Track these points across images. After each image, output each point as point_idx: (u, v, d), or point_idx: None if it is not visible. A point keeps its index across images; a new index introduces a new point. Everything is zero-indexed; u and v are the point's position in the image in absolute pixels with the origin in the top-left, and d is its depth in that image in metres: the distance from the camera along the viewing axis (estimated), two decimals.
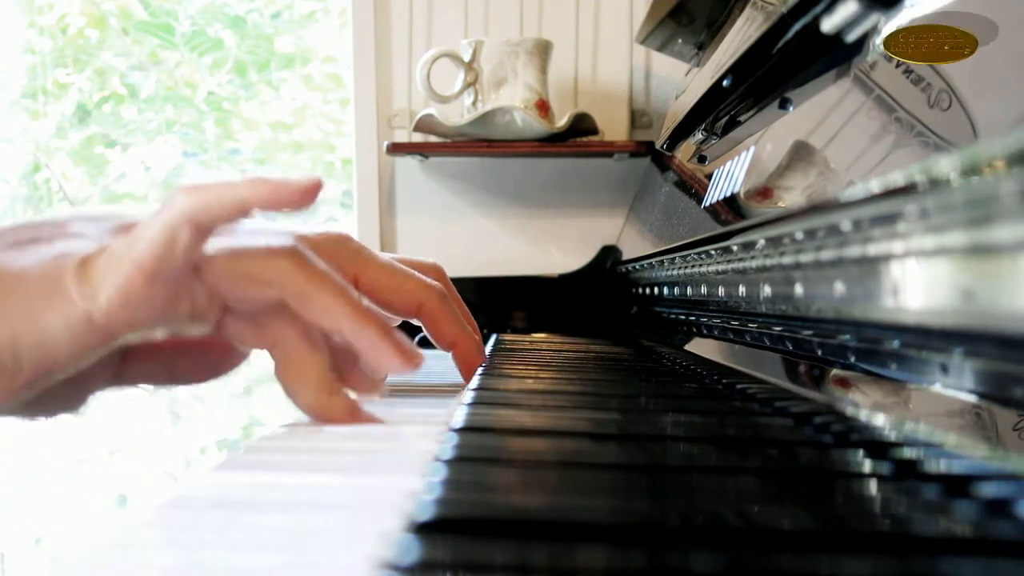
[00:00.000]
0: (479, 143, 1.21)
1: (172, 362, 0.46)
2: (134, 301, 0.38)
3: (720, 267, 0.60)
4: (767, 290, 0.50)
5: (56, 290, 0.38)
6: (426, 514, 0.23)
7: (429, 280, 0.54)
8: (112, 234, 0.41)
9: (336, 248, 0.49)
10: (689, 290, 0.71)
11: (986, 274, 0.28)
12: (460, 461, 0.30)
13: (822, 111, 0.48)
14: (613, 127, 1.30)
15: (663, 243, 0.79)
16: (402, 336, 0.42)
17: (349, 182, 1.54)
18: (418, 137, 1.27)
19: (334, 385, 0.41)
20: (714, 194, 0.62)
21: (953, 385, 0.31)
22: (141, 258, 0.38)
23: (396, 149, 1.24)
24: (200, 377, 0.47)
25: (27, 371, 0.38)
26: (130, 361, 0.45)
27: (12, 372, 0.38)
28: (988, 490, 0.26)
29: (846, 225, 0.37)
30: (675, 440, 0.37)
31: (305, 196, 0.41)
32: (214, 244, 0.40)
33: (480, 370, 0.57)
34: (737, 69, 0.67)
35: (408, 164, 1.32)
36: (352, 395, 0.43)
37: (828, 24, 0.47)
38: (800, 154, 0.48)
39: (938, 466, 0.29)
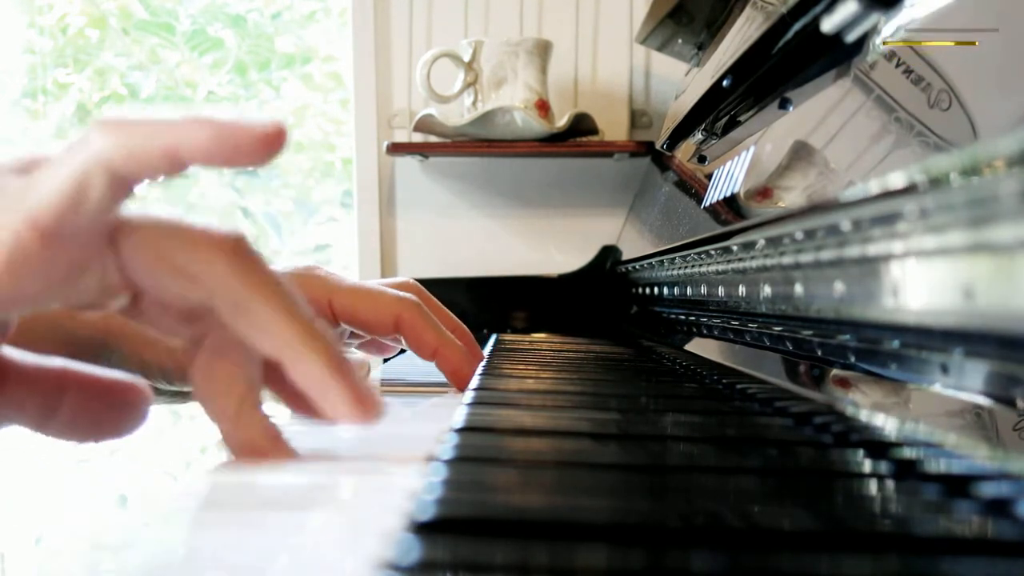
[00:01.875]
0: (479, 143, 1.21)
1: (55, 395, 0.34)
2: (24, 266, 0.29)
3: (720, 267, 0.60)
4: (767, 290, 0.50)
5: None
6: (426, 514, 0.23)
7: (403, 294, 0.53)
8: (7, 174, 0.30)
9: (303, 278, 0.47)
10: (689, 290, 0.71)
11: (986, 274, 0.28)
12: (460, 461, 0.30)
13: (822, 111, 0.48)
14: (613, 127, 1.30)
15: (663, 243, 0.79)
16: (359, 378, 0.32)
17: (349, 182, 1.54)
18: (418, 137, 1.27)
19: (255, 411, 0.33)
20: (714, 194, 0.62)
21: (953, 385, 0.31)
22: (38, 211, 0.29)
23: (396, 149, 1.24)
24: (85, 428, 0.35)
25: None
26: None
27: None
28: (988, 490, 0.26)
29: (846, 225, 0.37)
30: (675, 440, 0.37)
31: (264, 145, 0.30)
32: (137, 210, 0.31)
33: (480, 370, 0.57)
34: (737, 69, 0.67)
35: (408, 164, 1.32)
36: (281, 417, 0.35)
37: (828, 24, 0.47)
38: (800, 154, 0.48)
39: (938, 466, 0.29)
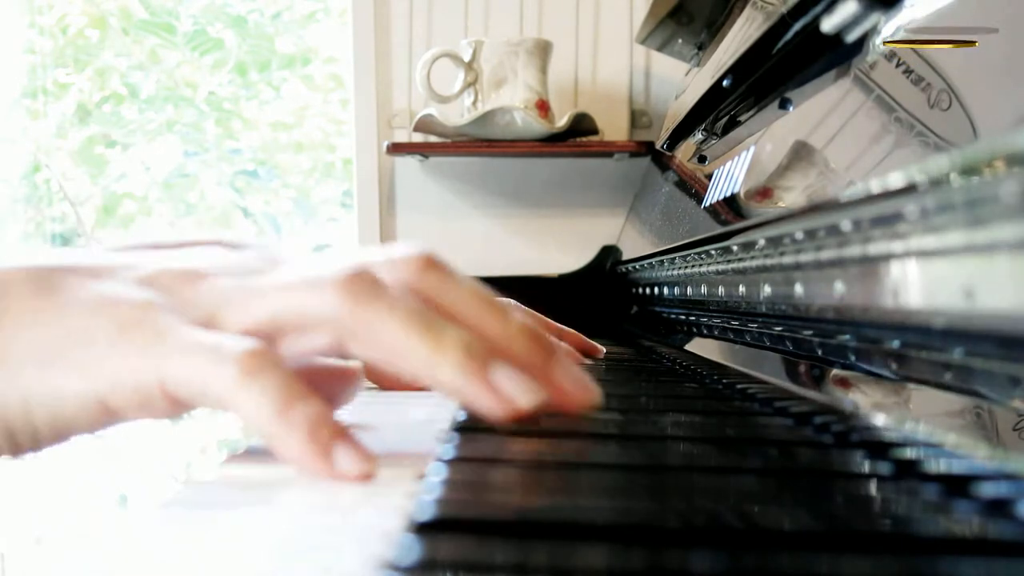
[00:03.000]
0: (479, 143, 1.21)
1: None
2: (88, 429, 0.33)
3: (720, 267, 0.60)
4: (767, 290, 0.50)
5: (80, 351, 0.32)
6: (426, 514, 0.23)
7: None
8: (168, 297, 0.33)
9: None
10: (689, 290, 0.71)
11: (986, 274, 0.28)
12: (460, 461, 0.30)
13: (822, 111, 0.48)
14: (613, 127, 1.30)
15: (663, 243, 0.79)
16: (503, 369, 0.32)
17: (349, 182, 1.54)
18: (418, 137, 1.27)
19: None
20: (714, 194, 0.62)
21: (953, 385, 0.31)
22: (116, 399, 0.32)
23: (396, 149, 1.24)
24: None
25: (45, 437, 0.33)
26: None
27: (28, 438, 0.33)
28: (988, 490, 0.26)
29: (846, 225, 0.37)
30: (675, 440, 0.37)
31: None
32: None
33: None
34: (737, 69, 0.67)
35: (408, 164, 1.32)
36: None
37: (828, 24, 0.47)
38: (800, 154, 0.48)
39: (938, 466, 0.29)
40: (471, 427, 0.36)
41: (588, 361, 0.69)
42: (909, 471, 0.30)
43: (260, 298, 0.34)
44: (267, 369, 0.31)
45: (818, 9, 0.49)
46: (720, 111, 0.74)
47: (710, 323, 0.66)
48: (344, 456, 0.30)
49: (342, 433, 0.31)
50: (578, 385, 0.34)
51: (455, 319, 0.34)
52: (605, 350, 0.72)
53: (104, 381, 0.32)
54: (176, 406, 0.32)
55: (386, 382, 0.50)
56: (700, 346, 0.68)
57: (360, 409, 0.48)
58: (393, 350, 0.32)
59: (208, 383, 0.31)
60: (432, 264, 0.35)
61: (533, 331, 0.35)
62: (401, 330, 0.32)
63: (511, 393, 0.32)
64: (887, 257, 0.34)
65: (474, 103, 1.19)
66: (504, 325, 0.34)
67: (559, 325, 0.63)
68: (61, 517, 1.86)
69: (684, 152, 0.86)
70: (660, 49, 1.12)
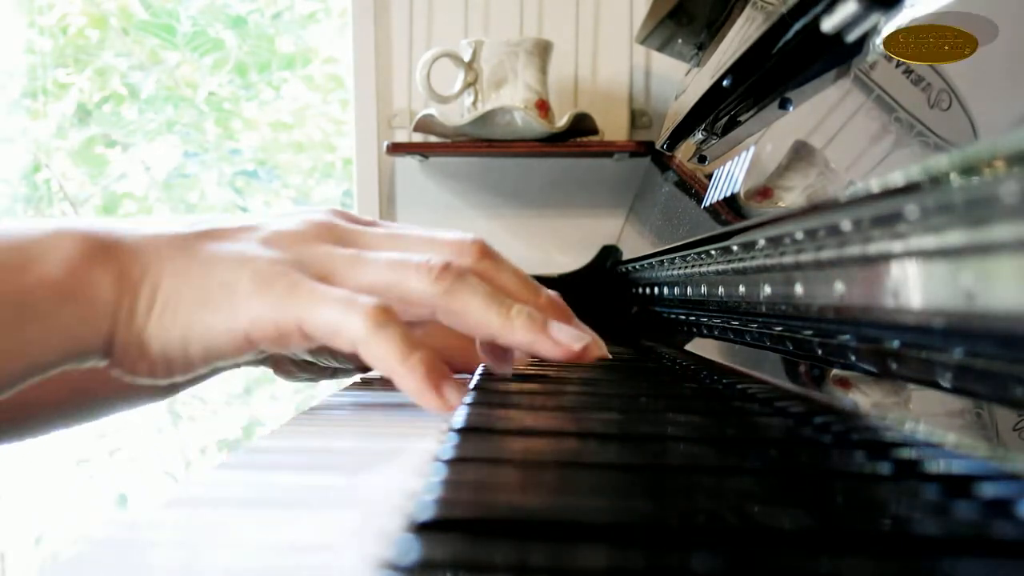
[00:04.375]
0: (479, 143, 1.21)
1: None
2: (221, 359, 0.43)
3: (720, 267, 0.60)
4: (767, 290, 0.50)
5: (227, 298, 0.41)
6: (426, 514, 0.23)
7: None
8: (296, 257, 0.43)
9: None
10: (689, 290, 0.71)
11: (986, 274, 0.28)
12: (460, 461, 0.30)
13: (822, 111, 0.48)
14: (613, 127, 1.30)
15: (663, 243, 0.79)
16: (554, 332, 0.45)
17: (349, 182, 1.54)
18: (418, 137, 1.27)
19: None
20: (714, 194, 0.62)
21: (953, 385, 0.31)
22: (256, 329, 0.41)
23: (396, 149, 1.24)
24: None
25: (197, 364, 0.43)
26: None
27: (183, 365, 0.43)
28: (988, 490, 0.26)
29: (846, 225, 0.37)
30: (675, 440, 0.37)
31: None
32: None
33: (479, 370, 0.57)
34: (737, 69, 0.67)
35: (408, 164, 1.32)
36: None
37: (828, 24, 0.47)
38: (800, 154, 0.48)
39: (938, 466, 0.29)
40: (471, 427, 0.36)
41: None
42: (909, 471, 0.30)
43: (367, 269, 0.44)
44: (392, 322, 0.40)
45: (818, 9, 0.49)
46: (720, 111, 0.74)
47: (710, 323, 0.66)
48: (450, 392, 0.40)
49: (447, 375, 0.40)
50: (575, 338, 0.46)
51: (507, 293, 0.46)
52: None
53: (248, 320, 0.41)
54: (308, 342, 0.41)
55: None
56: (700, 346, 0.68)
57: (360, 410, 0.48)
58: (477, 322, 0.44)
59: (342, 328, 0.40)
60: (486, 252, 0.47)
61: (558, 301, 0.48)
62: (481, 308, 0.44)
63: (567, 341, 0.45)
64: (887, 257, 0.34)
65: (474, 103, 1.19)
66: (538, 298, 0.47)
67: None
68: (61, 517, 1.86)
69: (684, 152, 0.86)
70: (660, 49, 1.12)
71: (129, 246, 0.43)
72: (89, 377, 0.48)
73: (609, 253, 1.25)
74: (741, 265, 0.54)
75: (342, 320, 0.40)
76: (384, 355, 0.40)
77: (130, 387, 0.45)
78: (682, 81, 1.03)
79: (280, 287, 0.41)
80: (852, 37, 0.45)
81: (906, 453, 0.31)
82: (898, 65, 0.39)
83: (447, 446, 0.32)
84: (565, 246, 1.32)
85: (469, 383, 0.42)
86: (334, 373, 0.58)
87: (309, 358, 0.55)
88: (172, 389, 0.49)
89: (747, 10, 0.71)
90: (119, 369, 0.44)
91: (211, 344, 0.42)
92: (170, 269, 0.42)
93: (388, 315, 0.40)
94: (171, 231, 0.44)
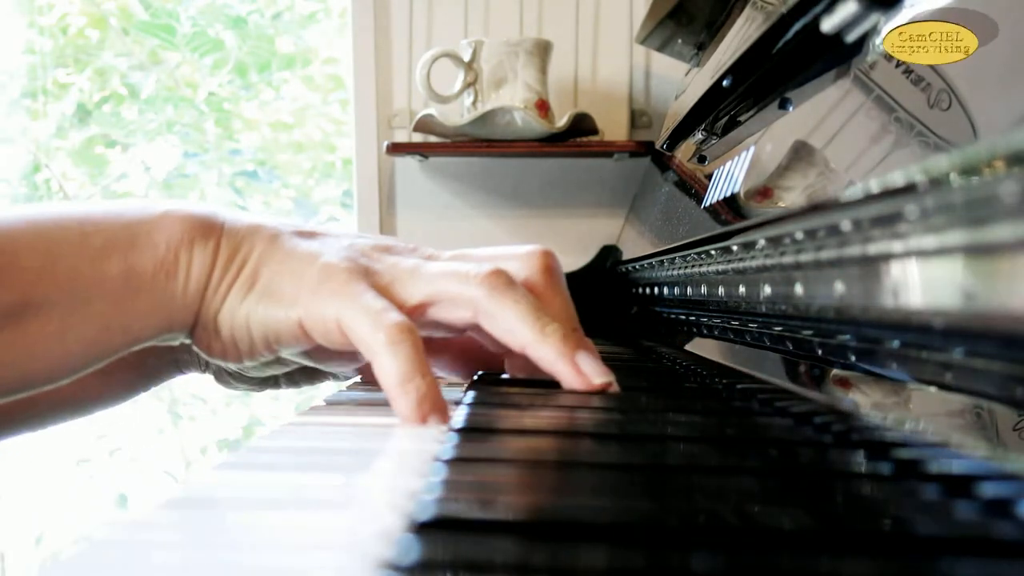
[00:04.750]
0: (479, 143, 1.21)
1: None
2: (284, 346, 0.46)
3: (720, 267, 0.60)
4: (767, 290, 0.50)
5: (292, 289, 0.45)
6: (426, 514, 0.23)
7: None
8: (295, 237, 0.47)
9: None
10: (689, 290, 0.71)
11: (986, 274, 0.28)
12: (460, 461, 0.30)
13: (822, 111, 0.48)
14: (613, 127, 1.30)
15: (663, 243, 0.79)
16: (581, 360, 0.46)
17: (349, 182, 1.54)
18: (418, 137, 1.27)
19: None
20: (714, 194, 0.62)
21: (953, 385, 0.31)
22: (315, 328, 0.44)
23: (396, 149, 1.24)
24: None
25: (260, 348, 0.46)
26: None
27: (248, 349, 0.46)
28: (988, 490, 0.26)
29: (846, 225, 0.37)
30: (675, 440, 0.37)
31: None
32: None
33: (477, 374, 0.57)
34: (737, 69, 0.67)
35: (408, 164, 1.32)
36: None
37: (828, 24, 0.47)
38: (800, 154, 0.48)
39: (938, 466, 0.29)
40: (471, 427, 0.36)
41: None
42: (909, 471, 0.30)
43: (424, 279, 0.46)
44: (405, 343, 0.42)
45: (818, 9, 0.49)
46: (720, 111, 0.74)
47: (710, 323, 0.66)
48: (434, 422, 0.41)
49: (440, 406, 0.41)
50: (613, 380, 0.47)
51: (551, 314, 0.46)
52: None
53: (303, 311, 0.44)
54: (345, 340, 0.43)
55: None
56: (700, 346, 0.68)
57: (360, 410, 0.48)
58: (512, 329, 0.45)
59: (364, 336, 0.43)
60: (548, 267, 0.49)
61: (590, 342, 0.48)
62: (519, 316, 0.45)
63: (590, 373, 0.46)
64: (887, 257, 0.34)
65: (474, 103, 1.19)
66: (576, 331, 0.48)
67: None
68: (61, 517, 1.86)
69: (684, 152, 0.86)
70: (660, 49, 1.12)
71: (228, 230, 0.46)
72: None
73: (609, 253, 1.25)
74: (741, 265, 0.54)
75: (369, 330, 0.42)
76: (388, 372, 0.41)
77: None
78: (682, 81, 1.03)
79: (334, 285, 0.44)
80: (852, 37, 0.45)
81: (906, 453, 0.31)
82: (898, 65, 0.39)
83: (447, 446, 0.32)
84: (565, 246, 1.32)
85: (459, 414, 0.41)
86: (276, 383, 0.58)
87: (250, 371, 0.55)
88: (266, 383, 0.54)
89: (747, 10, 0.71)
90: (198, 347, 0.47)
91: (271, 329, 0.45)
92: (257, 255, 0.45)
93: (405, 334, 0.42)
94: (269, 222, 0.47)
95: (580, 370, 0.45)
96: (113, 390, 0.59)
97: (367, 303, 0.43)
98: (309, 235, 0.47)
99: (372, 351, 0.42)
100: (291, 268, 0.45)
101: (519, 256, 0.48)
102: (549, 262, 0.49)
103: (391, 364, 0.41)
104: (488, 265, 0.46)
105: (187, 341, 0.48)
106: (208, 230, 0.46)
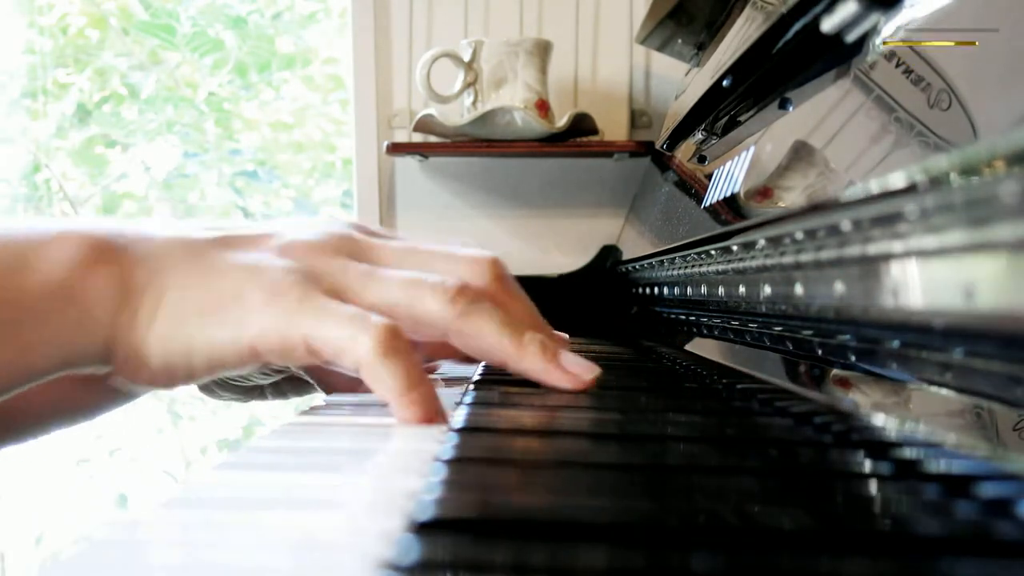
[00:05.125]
0: (479, 143, 1.21)
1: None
2: (225, 369, 0.42)
3: (720, 267, 0.60)
4: (767, 290, 0.50)
5: (235, 308, 0.41)
6: (426, 514, 0.23)
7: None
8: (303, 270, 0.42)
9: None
10: (689, 290, 0.71)
11: (986, 274, 0.28)
12: (460, 461, 0.30)
13: (822, 111, 0.48)
14: (613, 127, 1.30)
15: (663, 243, 0.79)
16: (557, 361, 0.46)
17: (349, 182, 1.54)
18: (418, 137, 1.27)
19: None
20: (714, 194, 0.62)
21: (953, 385, 0.31)
22: (259, 341, 0.40)
23: (396, 149, 1.24)
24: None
25: (200, 373, 0.42)
26: None
27: (185, 375, 0.42)
28: (988, 490, 0.26)
29: (846, 225, 0.37)
30: (675, 440, 0.37)
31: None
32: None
33: (479, 371, 0.57)
34: (737, 69, 0.67)
35: (408, 164, 1.32)
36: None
37: (828, 24, 0.47)
38: (800, 154, 0.48)
39: (938, 466, 0.29)
40: (471, 427, 0.36)
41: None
42: (909, 471, 0.30)
43: (381, 286, 0.43)
44: (401, 349, 0.39)
45: (818, 9, 0.49)
46: (720, 111, 0.74)
47: (710, 323, 0.66)
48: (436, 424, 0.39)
49: (441, 413, 0.40)
50: (575, 368, 0.46)
51: (518, 320, 0.45)
52: (574, 344, 0.73)
53: (255, 332, 0.40)
54: (313, 357, 0.40)
55: (332, 387, 0.55)
56: (700, 346, 0.68)
57: (360, 410, 0.48)
58: (489, 346, 0.44)
59: (349, 347, 0.39)
60: (501, 274, 0.47)
61: (561, 334, 0.48)
62: (495, 333, 0.44)
63: (579, 371, 0.45)
64: (887, 257, 0.34)
65: (474, 103, 1.19)
66: (545, 328, 0.47)
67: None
68: (61, 517, 1.86)
69: (684, 152, 0.86)
70: (660, 49, 1.12)
71: (135, 251, 0.42)
72: (83, 380, 0.46)
73: (609, 253, 1.25)
74: (741, 265, 0.54)
75: (350, 339, 0.39)
76: (387, 383, 0.39)
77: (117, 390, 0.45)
78: (682, 81, 1.03)
79: (290, 299, 0.40)
80: (852, 37, 0.45)
81: (906, 453, 0.31)
82: (898, 65, 0.39)
83: (447, 446, 0.32)
84: (565, 246, 1.32)
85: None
86: (262, 393, 0.56)
87: (239, 379, 0.54)
88: (251, 393, 0.52)
89: (747, 10, 0.71)
90: (120, 376, 0.43)
91: (215, 355, 0.41)
92: (177, 276, 0.41)
93: (398, 340, 0.39)
94: (183, 236, 0.43)
95: (569, 372, 0.45)
96: (54, 417, 0.57)
97: (337, 310, 0.40)
98: (238, 244, 0.43)
99: (362, 361, 0.39)
100: (227, 286, 0.41)
101: (471, 262, 0.46)
102: (501, 270, 0.47)
103: (388, 375, 0.39)
104: (451, 279, 0.44)
105: (106, 369, 0.43)
106: (108, 252, 0.41)
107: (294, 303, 0.40)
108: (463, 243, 0.48)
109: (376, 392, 0.40)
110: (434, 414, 0.39)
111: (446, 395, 0.43)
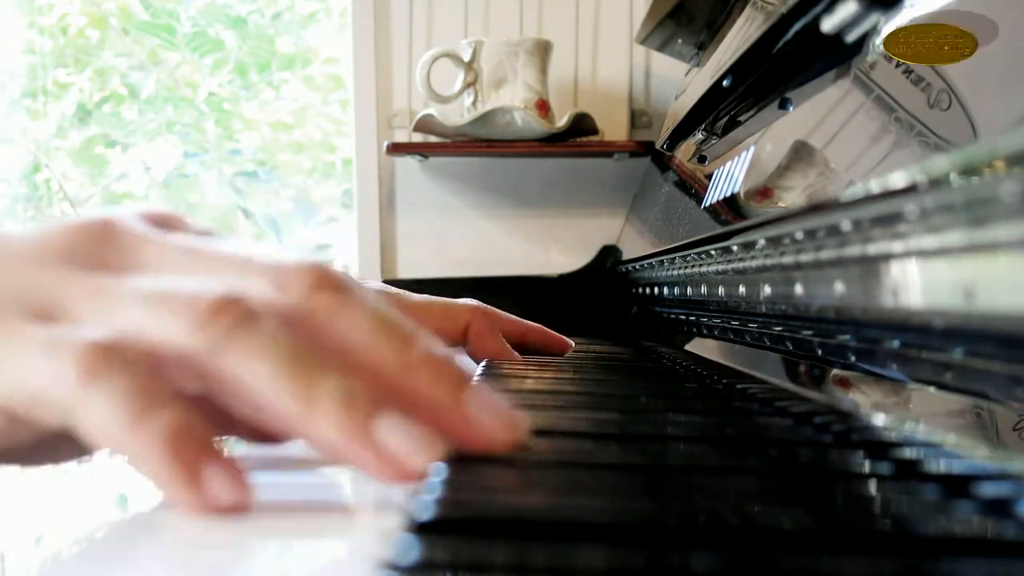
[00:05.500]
0: (479, 143, 1.21)
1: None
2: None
3: (720, 267, 0.60)
4: (767, 290, 0.50)
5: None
6: (426, 514, 0.23)
7: (471, 302, 0.61)
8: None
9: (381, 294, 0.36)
10: (689, 290, 0.71)
11: (986, 274, 0.28)
12: (460, 461, 0.30)
13: (822, 111, 0.48)
14: (613, 127, 1.30)
15: (663, 243, 0.79)
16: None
17: (349, 182, 1.54)
18: (418, 137, 1.27)
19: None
20: (714, 194, 0.62)
21: (953, 385, 0.31)
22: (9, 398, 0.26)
23: (396, 149, 1.24)
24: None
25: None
26: None
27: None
28: (988, 490, 0.26)
29: (846, 225, 0.37)
30: (675, 440, 0.37)
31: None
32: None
33: (480, 371, 0.57)
34: (737, 69, 0.67)
35: (408, 164, 1.32)
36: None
37: (828, 24, 0.47)
38: (800, 154, 0.48)
39: (938, 466, 0.29)
40: None
41: (560, 358, 0.69)
42: (909, 471, 0.30)
43: (109, 305, 0.27)
44: (116, 368, 0.25)
45: (818, 9, 0.49)
46: (720, 111, 0.74)
47: (710, 323, 0.66)
48: (214, 477, 0.24)
49: (210, 451, 0.25)
50: (498, 419, 0.29)
51: (345, 351, 0.28)
52: (575, 344, 0.72)
53: None
54: (16, 425, 0.26)
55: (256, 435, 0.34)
56: (700, 346, 0.68)
57: None
58: (258, 400, 0.26)
59: (42, 389, 0.25)
60: (325, 282, 0.28)
61: (439, 360, 0.29)
62: (269, 376, 0.26)
63: (400, 451, 0.26)
64: (887, 257, 0.34)
65: (474, 103, 1.19)
66: (404, 354, 0.28)
67: (521, 321, 0.69)
68: (61, 517, 1.86)
69: (684, 152, 0.86)
70: (660, 49, 1.12)
71: None
72: None
73: (609, 253, 1.25)
74: (741, 265, 0.54)
75: (42, 375, 0.25)
76: (103, 424, 0.24)
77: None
78: (682, 81, 1.03)
79: None
80: (852, 37, 0.45)
81: (906, 453, 0.31)
82: (898, 65, 0.39)
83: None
84: (565, 246, 1.32)
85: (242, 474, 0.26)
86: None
87: None
88: None
89: (747, 10, 0.71)
90: None
91: None
92: None
93: (111, 356, 0.25)
94: None
95: (381, 452, 0.26)
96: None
97: (23, 342, 0.26)
98: None
99: (63, 405, 0.25)
100: None
101: (274, 269, 0.29)
102: (324, 272, 0.29)
103: (104, 408, 0.24)
104: (214, 292, 0.27)
105: None
106: None
107: None
108: (300, 247, 0.30)
109: (99, 447, 0.26)
110: (197, 455, 0.25)
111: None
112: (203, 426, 0.25)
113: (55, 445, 0.29)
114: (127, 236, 0.29)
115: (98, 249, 0.29)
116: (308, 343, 0.27)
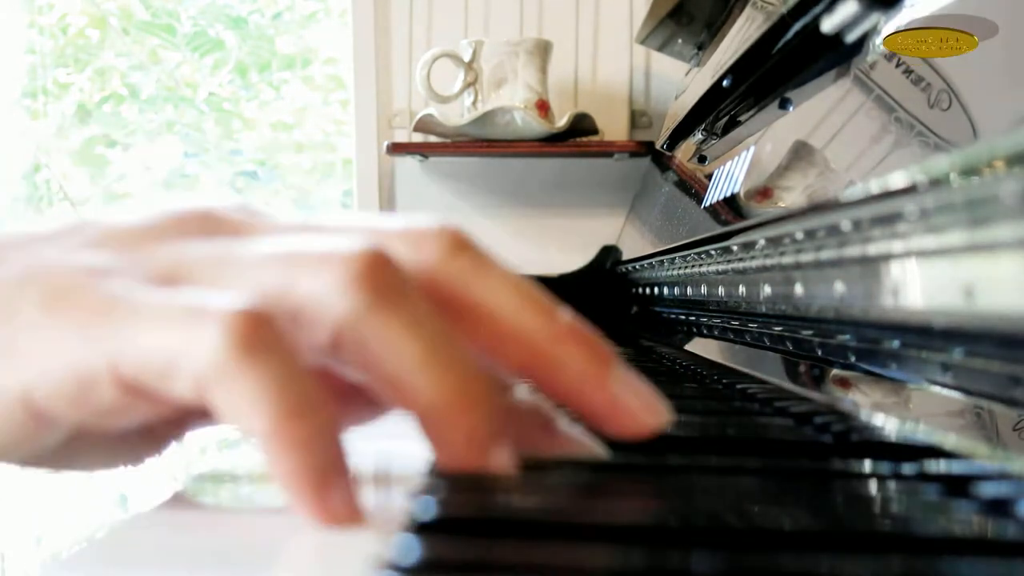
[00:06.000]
0: (479, 143, 1.21)
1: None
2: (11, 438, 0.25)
3: (720, 267, 0.60)
4: (767, 290, 0.50)
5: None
6: (426, 514, 0.23)
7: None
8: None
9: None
10: (689, 290, 0.71)
11: (986, 274, 0.28)
12: None
13: (822, 111, 0.48)
14: (613, 127, 1.30)
15: (663, 243, 0.79)
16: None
17: (349, 182, 1.54)
18: (418, 137, 1.27)
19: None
20: (714, 194, 0.62)
21: (953, 385, 0.31)
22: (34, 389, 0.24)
23: (396, 149, 1.24)
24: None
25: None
26: None
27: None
28: (988, 490, 0.26)
29: (846, 225, 0.37)
30: (675, 440, 0.37)
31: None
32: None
33: None
34: (737, 69, 0.67)
35: (408, 164, 1.32)
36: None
37: (828, 24, 0.47)
38: (800, 154, 0.48)
39: (938, 466, 0.29)
40: None
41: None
42: (909, 471, 0.30)
43: (243, 267, 0.24)
44: (271, 343, 0.22)
45: (818, 9, 0.49)
46: (720, 111, 0.74)
47: (710, 323, 0.66)
48: (340, 493, 0.23)
49: (344, 463, 0.23)
50: (643, 402, 0.27)
51: (485, 318, 0.26)
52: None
53: (27, 370, 0.23)
54: (129, 395, 0.23)
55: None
56: (700, 346, 0.68)
57: None
58: (396, 381, 0.24)
59: (179, 357, 0.22)
60: (461, 244, 0.27)
61: (587, 334, 0.27)
62: (411, 358, 0.24)
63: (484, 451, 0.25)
64: (887, 257, 0.34)
65: (474, 103, 1.19)
66: (552, 325, 0.26)
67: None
68: (61, 517, 1.86)
69: (684, 152, 0.86)
70: (660, 49, 1.12)
71: None
72: None
73: (609, 253, 1.25)
74: (741, 265, 0.54)
75: (181, 342, 0.22)
76: (248, 404, 0.22)
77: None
78: (682, 81, 1.03)
79: (78, 308, 0.23)
80: (852, 37, 0.45)
81: (906, 453, 0.31)
82: (898, 65, 0.39)
83: None
84: (565, 246, 1.32)
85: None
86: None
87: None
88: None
89: (747, 10, 0.71)
90: None
91: None
92: None
93: (266, 330, 0.22)
94: None
95: (556, 438, 0.27)
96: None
97: (157, 309, 0.23)
98: (17, 245, 0.26)
99: (203, 375, 0.22)
100: None
101: (405, 231, 0.26)
102: (461, 236, 0.27)
103: (253, 389, 0.22)
104: (357, 247, 0.24)
105: None
106: None
107: (87, 309, 0.23)
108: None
109: (231, 424, 0.23)
110: (331, 472, 0.23)
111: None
112: (339, 428, 0.24)
113: (111, 446, 0.28)
114: (233, 213, 0.27)
115: (207, 224, 0.26)
116: (450, 316, 0.25)
